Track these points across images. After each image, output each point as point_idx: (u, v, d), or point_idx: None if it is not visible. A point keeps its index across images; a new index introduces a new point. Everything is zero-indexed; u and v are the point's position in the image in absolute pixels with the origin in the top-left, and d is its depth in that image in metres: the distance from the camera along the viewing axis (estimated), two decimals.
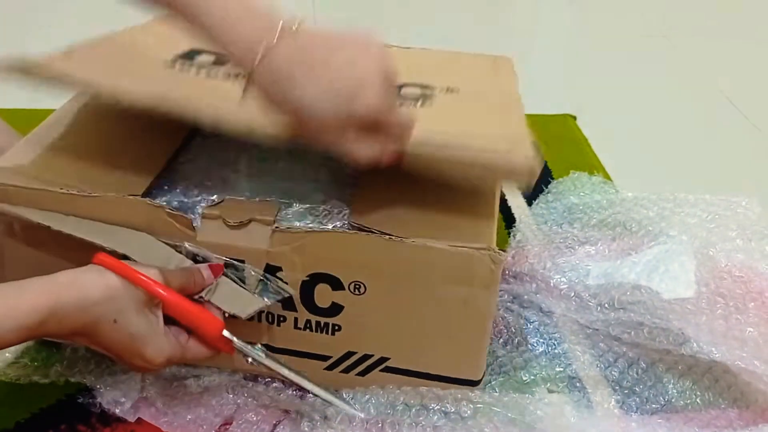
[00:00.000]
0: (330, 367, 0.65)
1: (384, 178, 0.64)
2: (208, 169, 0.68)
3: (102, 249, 0.57)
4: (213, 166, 0.69)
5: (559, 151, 0.99)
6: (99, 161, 0.65)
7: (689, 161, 1.08)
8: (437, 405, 0.62)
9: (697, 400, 0.68)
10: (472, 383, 0.64)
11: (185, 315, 0.57)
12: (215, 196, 0.64)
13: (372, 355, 0.64)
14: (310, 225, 0.61)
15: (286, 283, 0.61)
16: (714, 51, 1.46)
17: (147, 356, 0.55)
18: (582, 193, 0.90)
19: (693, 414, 0.66)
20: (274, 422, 0.63)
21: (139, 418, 0.63)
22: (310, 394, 0.64)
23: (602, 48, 1.48)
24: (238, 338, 0.59)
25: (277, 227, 0.59)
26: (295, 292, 0.61)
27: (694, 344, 0.67)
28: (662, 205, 0.85)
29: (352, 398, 0.64)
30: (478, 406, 0.63)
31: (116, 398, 0.65)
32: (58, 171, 0.63)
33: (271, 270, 0.60)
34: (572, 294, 0.75)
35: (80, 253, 0.57)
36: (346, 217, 0.63)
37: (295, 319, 0.63)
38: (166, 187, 0.65)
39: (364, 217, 0.60)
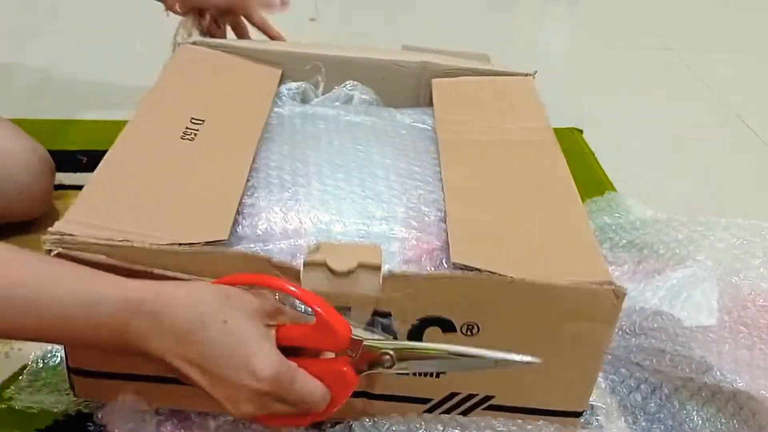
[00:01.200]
0: (430, 410, 0.62)
1: (471, 214, 0.62)
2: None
3: None
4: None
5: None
6: (170, 203, 0.59)
7: (696, 177, 1.10)
8: None
9: (722, 428, 0.68)
10: (577, 414, 0.63)
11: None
12: (306, 239, 0.60)
13: (476, 395, 0.62)
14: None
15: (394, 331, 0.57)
16: (722, 65, 1.47)
17: (255, 366, 0.49)
18: (616, 214, 0.90)
19: None
20: None
21: None
22: None
23: (608, 61, 1.48)
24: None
25: (390, 272, 0.55)
26: (402, 337, 0.58)
27: (717, 373, 0.67)
28: (693, 227, 0.84)
29: None
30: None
31: None
32: (129, 218, 0.57)
33: (379, 316, 0.57)
34: None
35: None
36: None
37: None
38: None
39: (467, 256, 0.58)
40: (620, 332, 0.72)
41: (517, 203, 0.66)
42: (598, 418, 0.67)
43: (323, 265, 0.55)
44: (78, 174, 0.96)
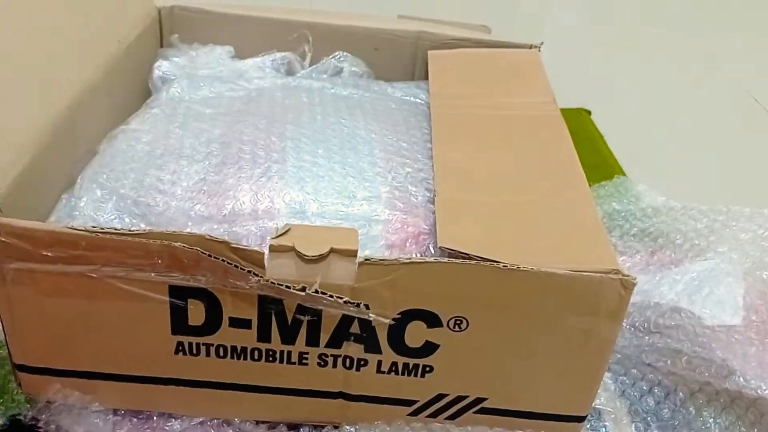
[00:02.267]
0: (415, 412, 0.56)
1: (464, 194, 0.56)
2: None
3: None
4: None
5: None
6: None
7: (711, 162, 1.03)
8: None
9: None
10: (579, 419, 0.56)
11: None
12: (277, 220, 0.54)
13: (466, 396, 0.55)
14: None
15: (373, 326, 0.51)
16: (737, 45, 1.39)
17: None
18: (626, 200, 0.83)
19: None
20: None
21: None
22: None
23: (619, 40, 1.41)
24: None
25: (366, 259, 0.49)
26: (382, 332, 0.51)
27: (740, 378, 0.60)
28: (713, 216, 0.77)
29: None
30: None
31: None
32: None
33: (355, 307, 0.50)
34: None
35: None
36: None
37: (379, 363, 0.53)
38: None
39: (456, 241, 0.51)
40: (632, 329, 0.66)
41: (514, 183, 0.59)
42: (606, 424, 0.60)
43: (291, 249, 0.49)
44: None
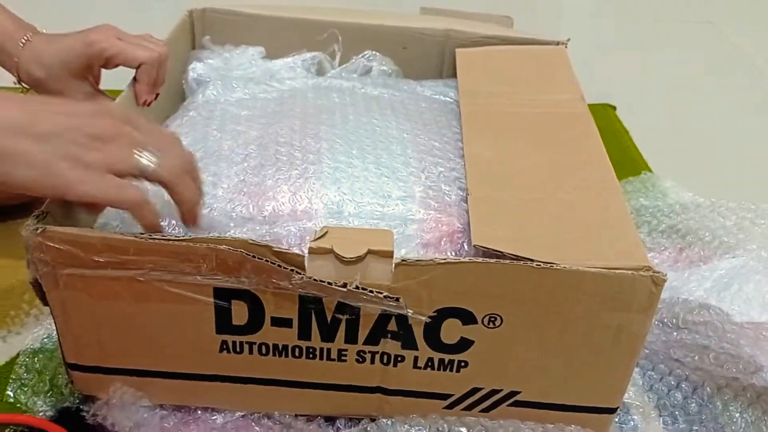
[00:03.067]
0: (450, 406, 0.58)
1: (496, 193, 0.57)
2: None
3: None
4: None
5: None
6: None
7: (737, 160, 1.02)
8: None
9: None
10: (610, 411, 0.58)
11: None
12: (316, 220, 0.56)
13: (500, 390, 0.56)
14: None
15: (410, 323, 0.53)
16: (765, 39, 1.37)
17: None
18: (653, 196, 0.83)
19: None
20: None
21: None
22: None
23: (644, 34, 1.39)
24: None
25: (403, 260, 0.50)
26: (419, 329, 0.53)
27: None
28: (742, 214, 0.78)
29: None
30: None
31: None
32: None
33: (393, 307, 0.52)
34: None
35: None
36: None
37: (415, 358, 0.55)
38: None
39: (490, 239, 0.52)
40: (661, 325, 0.67)
41: (546, 181, 0.60)
42: (634, 417, 0.62)
43: (330, 252, 0.50)
44: None
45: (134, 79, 0.68)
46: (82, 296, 0.52)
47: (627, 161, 0.93)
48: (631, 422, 0.61)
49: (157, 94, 0.70)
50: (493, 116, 0.68)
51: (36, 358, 0.63)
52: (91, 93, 0.69)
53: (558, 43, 0.81)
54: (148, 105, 0.69)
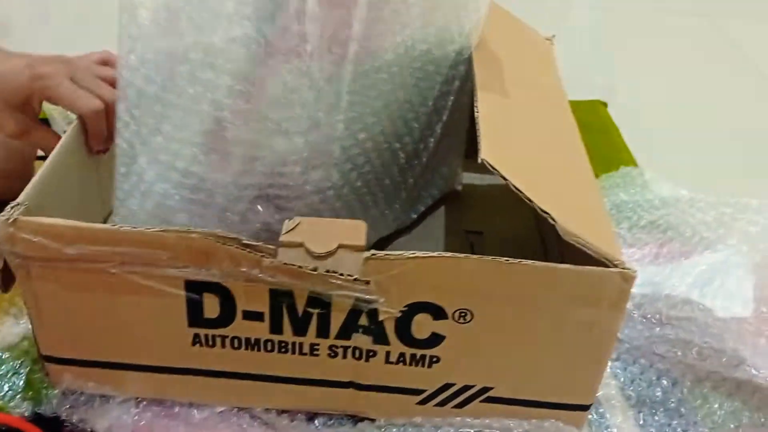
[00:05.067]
0: (423, 401, 0.58)
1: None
2: None
3: None
4: None
5: (588, 141, 0.91)
6: None
7: (729, 155, 1.01)
8: None
9: (747, 422, 0.62)
10: (584, 408, 0.58)
11: None
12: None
13: (473, 386, 0.57)
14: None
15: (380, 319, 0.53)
16: (761, 33, 1.36)
17: None
18: (632, 190, 0.83)
19: None
20: None
21: None
22: None
23: (636, 28, 1.38)
24: None
25: (373, 254, 0.50)
26: (390, 324, 0.53)
27: (751, 369, 0.62)
28: (721, 209, 0.78)
29: None
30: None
31: (109, 427, 0.58)
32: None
33: (364, 302, 0.52)
34: None
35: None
36: None
37: (387, 353, 0.55)
38: None
39: (499, 160, 0.50)
40: (644, 321, 0.67)
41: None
42: (607, 413, 0.61)
43: (300, 245, 0.51)
44: None
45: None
46: (54, 287, 0.53)
47: (615, 157, 0.92)
48: (606, 417, 0.61)
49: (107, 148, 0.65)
50: (503, 70, 0.67)
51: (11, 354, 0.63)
52: (26, 125, 0.64)
53: (545, 39, 0.81)
54: (104, 153, 0.65)
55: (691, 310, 0.66)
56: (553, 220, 0.49)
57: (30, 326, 0.57)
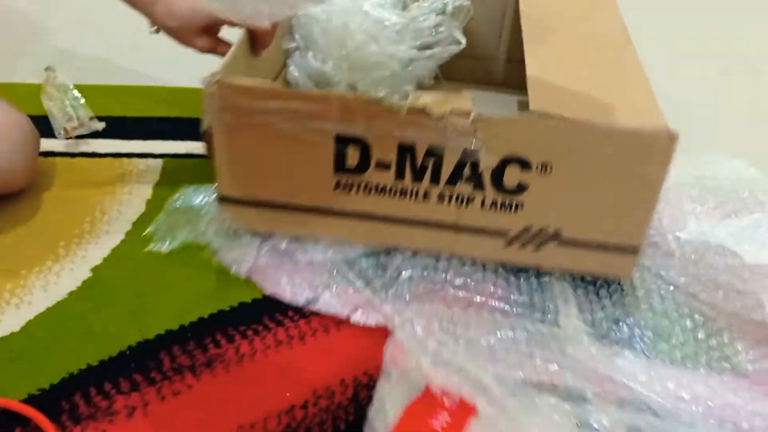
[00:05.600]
0: (509, 243, 0.74)
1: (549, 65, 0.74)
2: None
3: None
4: None
5: None
6: None
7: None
8: None
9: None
10: (634, 249, 0.73)
11: None
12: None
13: (547, 228, 0.72)
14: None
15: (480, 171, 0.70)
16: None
17: None
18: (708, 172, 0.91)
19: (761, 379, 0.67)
20: (351, 308, 0.72)
21: (112, 418, 0.61)
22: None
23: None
24: None
25: (479, 114, 0.67)
26: (487, 174, 0.70)
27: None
28: None
29: None
30: None
31: (235, 258, 0.75)
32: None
33: (469, 154, 0.69)
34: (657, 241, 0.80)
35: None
36: None
37: (483, 200, 0.72)
38: None
39: (545, 103, 0.68)
40: (682, 258, 0.77)
41: (587, 66, 0.77)
42: (557, 315, 0.73)
43: (422, 110, 0.67)
44: (69, 141, 0.94)
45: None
46: (241, 137, 0.71)
47: None
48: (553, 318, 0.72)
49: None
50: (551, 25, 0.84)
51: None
52: (212, 42, 0.78)
53: None
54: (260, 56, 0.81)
55: (723, 253, 0.76)
56: None
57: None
